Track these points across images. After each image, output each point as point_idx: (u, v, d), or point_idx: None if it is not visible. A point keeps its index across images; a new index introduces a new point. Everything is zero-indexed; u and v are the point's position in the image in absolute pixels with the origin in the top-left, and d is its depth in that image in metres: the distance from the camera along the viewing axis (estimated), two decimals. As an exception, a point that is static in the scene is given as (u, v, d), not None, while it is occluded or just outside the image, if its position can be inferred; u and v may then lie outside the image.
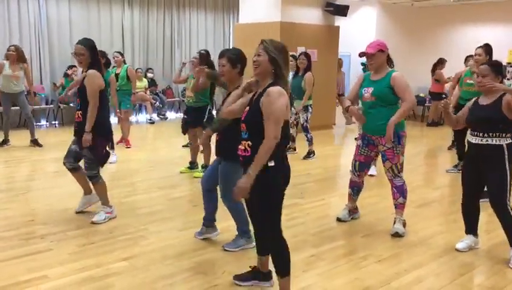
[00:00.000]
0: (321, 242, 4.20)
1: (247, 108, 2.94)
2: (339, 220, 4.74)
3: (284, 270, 3.01)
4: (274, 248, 3.01)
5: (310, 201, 5.44)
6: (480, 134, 3.73)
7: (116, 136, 7.64)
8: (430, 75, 11.59)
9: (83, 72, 4.56)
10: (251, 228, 3.98)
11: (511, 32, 11.93)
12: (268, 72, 2.86)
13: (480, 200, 4.01)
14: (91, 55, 4.43)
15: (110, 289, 3.29)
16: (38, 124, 10.58)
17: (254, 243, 3.97)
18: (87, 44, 4.45)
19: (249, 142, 2.86)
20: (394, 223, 4.43)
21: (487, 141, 3.71)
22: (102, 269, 3.55)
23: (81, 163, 4.67)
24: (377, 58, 4.22)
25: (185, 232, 4.35)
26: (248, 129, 2.88)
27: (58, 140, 9.13)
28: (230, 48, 3.98)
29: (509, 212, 3.75)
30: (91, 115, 4.34)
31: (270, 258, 3.15)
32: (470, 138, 3.83)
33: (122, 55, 8.35)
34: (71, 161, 4.65)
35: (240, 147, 2.95)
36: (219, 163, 3.85)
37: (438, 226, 4.73)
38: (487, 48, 6.16)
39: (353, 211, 4.82)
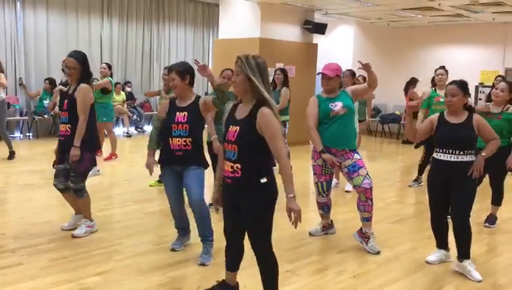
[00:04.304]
0: (296, 257, 4.20)
1: (237, 128, 2.88)
2: (310, 234, 4.77)
3: (277, 286, 3.03)
4: (270, 264, 2.98)
5: (286, 216, 5.42)
6: (456, 151, 3.82)
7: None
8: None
9: (69, 84, 4.50)
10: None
11: (483, 53, 12.30)
12: (247, 89, 2.88)
13: (448, 216, 4.09)
14: (82, 69, 4.39)
15: (82, 305, 3.22)
16: (12, 135, 10.38)
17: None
18: (80, 57, 4.40)
19: (238, 165, 2.87)
20: (368, 239, 4.43)
21: (462, 158, 3.81)
22: (75, 284, 3.48)
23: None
24: (333, 82, 4.40)
25: (160, 246, 4.31)
26: (239, 150, 2.86)
27: (32, 152, 8.98)
28: (180, 62, 4.12)
29: (470, 226, 3.90)
30: (81, 129, 4.30)
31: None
32: (440, 155, 3.90)
33: (110, 68, 8.06)
34: (62, 180, 4.52)
35: (225, 168, 2.94)
36: (175, 172, 4.00)
37: (412, 242, 4.79)
38: (446, 69, 6.70)
39: (328, 227, 4.84)
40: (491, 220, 5.35)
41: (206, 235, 4.03)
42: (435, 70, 6.82)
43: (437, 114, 4.08)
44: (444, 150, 3.88)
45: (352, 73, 6.72)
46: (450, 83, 3.96)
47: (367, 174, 4.34)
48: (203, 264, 3.91)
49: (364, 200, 4.36)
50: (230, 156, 2.90)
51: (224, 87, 3.80)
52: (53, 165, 4.56)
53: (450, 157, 3.85)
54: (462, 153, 3.81)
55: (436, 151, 3.96)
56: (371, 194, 4.35)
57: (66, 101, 4.41)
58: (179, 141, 3.89)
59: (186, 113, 3.91)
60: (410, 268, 4.07)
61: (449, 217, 4.07)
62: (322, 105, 4.41)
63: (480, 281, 3.81)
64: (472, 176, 3.81)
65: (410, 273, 3.97)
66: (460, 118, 3.89)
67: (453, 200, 3.92)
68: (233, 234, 3.12)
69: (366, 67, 4.27)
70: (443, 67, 6.77)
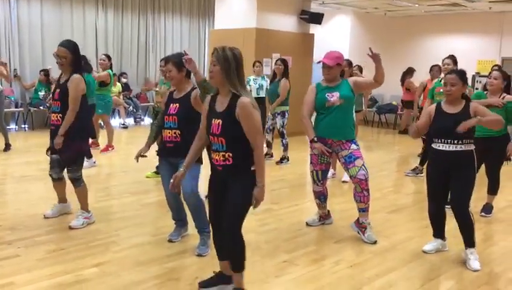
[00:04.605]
0: (294, 248, 4.21)
1: (219, 121, 2.94)
2: (307, 224, 4.78)
3: (241, 265, 3.13)
4: (236, 244, 3.07)
5: (283, 207, 5.45)
6: (455, 141, 3.82)
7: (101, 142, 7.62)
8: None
9: (62, 74, 4.48)
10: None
11: (480, 43, 12.29)
12: (223, 80, 2.93)
13: (447, 206, 4.10)
14: (73, 58, 4.36)
15: (80, 296, 3.23)
16: (7, 127, 10.33)
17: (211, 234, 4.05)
18: (71, 47, 4.37)
19: (230, 153, 2.95)
20: (365, 229, 4.44)
21: (461, 147, 3.81)
22: (72, 276, 3.48)
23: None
24: (334, 71, 4.34)
25: (157, 237, 4.30)
26: (227, 142, 2.94)
27: (28, 144, 8.94)
28: (176, 53, 4.06)
29: (470, 215, 3.91)
30: (68, 119, 4.30)
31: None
32: (439, 145, 3.90)
33: (109, 59, 8.07)
34: (57, 171, 4.56)
35: (215, 157, 3.01)
36: (171, 163, 3.93)
37: (409, 231, 4.80)
38: (454, 58, 6.49)
39: (325, 217, 4.85)
40: (487, 209, 5.37)
41: (202, 228, 4.03)
42: (442, 60, 6.70)
43: (434, 105, 4.08)
44: (441, 140, 3.88)
45: (349, 63, 6.68)
46: (450, 73, 3.95)
47: (363, 165, 4.33)
48: (200, 255, 3.92)
49: (360, 191, 4.36)
50: (219, 148, 2.98)
51: (208, 84, 3.72)
52: (46, 152, 4.56)
53: (448, 147, 3.85)
54: (459, 142, 3.81)
55: (434, 142, 3.95)
56: (367, 185, 4.34)
57: (58, 90, 4.40)
58: (169, 132, 3.88)
59: (177, 105, 3.88)
60: (407, 258, 4.09)
61: (447, 207, 4.08)
62: (320, 94, 4.39)
63: (475, 271, 3.83)
64: (458, 129, 3.71)
65: (407, 263, 3.98)
66: (457, 108, 3.89)
67: (452, 189, 3.93)
68: (219, 222, 3.14)
69: (375, 57, 4.14)
70: (451, 56, 6.64)
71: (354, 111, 4.62)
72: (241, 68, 2.96)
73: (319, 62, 4.43)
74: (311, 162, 4.56)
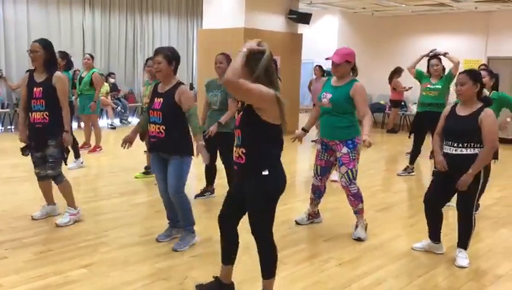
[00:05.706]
0: (284, 246, 4.21)
1: (241, 113, 2.93)
2: (296, 223, 4.80)
3: (271, 272, 3.06)
4: (266, 250, 3.02)
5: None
6: (455, 144, 3.77)
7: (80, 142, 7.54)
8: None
9: (31, 74, 4.46)
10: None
11: (466, 43, 12.40)
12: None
13: (449, 204, 4.14)
14: (46, 53, 4.36)
15: (69, 297, 3.20)
16: (-7, 128, 10.24)
17: (197, 238, 4.08)
18: (43, 42, 4.39)
19: (243, 149, 2.88)
20: (356, 227, 4.49)
21: (461, 151, 3.74)
22: (61, 277, 3.45)
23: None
24: (342, 68, 4.26)
25: (147, 238, 4.29)
26: (243, 134, 2.90)
27: (14, 145, 8.82)
28: (166, 46, 4.04)
29: (472, 219, 3.91)
30: (67, 116, 4.41)
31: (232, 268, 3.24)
32: (445, 148, 3.85)
33: (92, 58, 8.15)
34: (44, 167, 4.53)
35: (234, 154, 2.98)
36: (163, 160, 3.93)
37: (397, 229, 4.84)
38: (439, 57, 6.66)
39: (314, 216, 4.87)
40: (475, 207, 5.42)
41: (186, 225, 4.04)
42: (428, 61, 6.80)
43: (450, 106, 3.97)
44: (446, 142, 3.84)
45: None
46: (460, 72, 3.87)
47: (346, 172, 4.32)
48: (175, 251, 3.93)
49: (347, 195, 4.45)
50: (238, 141, 2.93)
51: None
52: (23, 153, 4.55)
53: (450, 149, 3.80)
54: (461, 145, 3.74)
55: (444, 144, 3.90)
56: (349, 191, 4.38)
57: (39, 89, 4.35)
58: (153, 127, 3.85)
59: (161, 99, 3.84)
60: (395, 255, 4.12)
61: (450, 204, 4.10)
62: (322, 90, 4.45)
63: (461, 267, 3.87)
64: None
65: (395, 260, 4.01)
66: (469, 110, 3.76)
67: (457, 193, 3.88)
68: (227, 220, 3.11)
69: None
70: (435, 56, 6.73)
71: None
72: (270, 69, 2.86)
73: (327, 59, 4.38)
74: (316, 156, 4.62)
